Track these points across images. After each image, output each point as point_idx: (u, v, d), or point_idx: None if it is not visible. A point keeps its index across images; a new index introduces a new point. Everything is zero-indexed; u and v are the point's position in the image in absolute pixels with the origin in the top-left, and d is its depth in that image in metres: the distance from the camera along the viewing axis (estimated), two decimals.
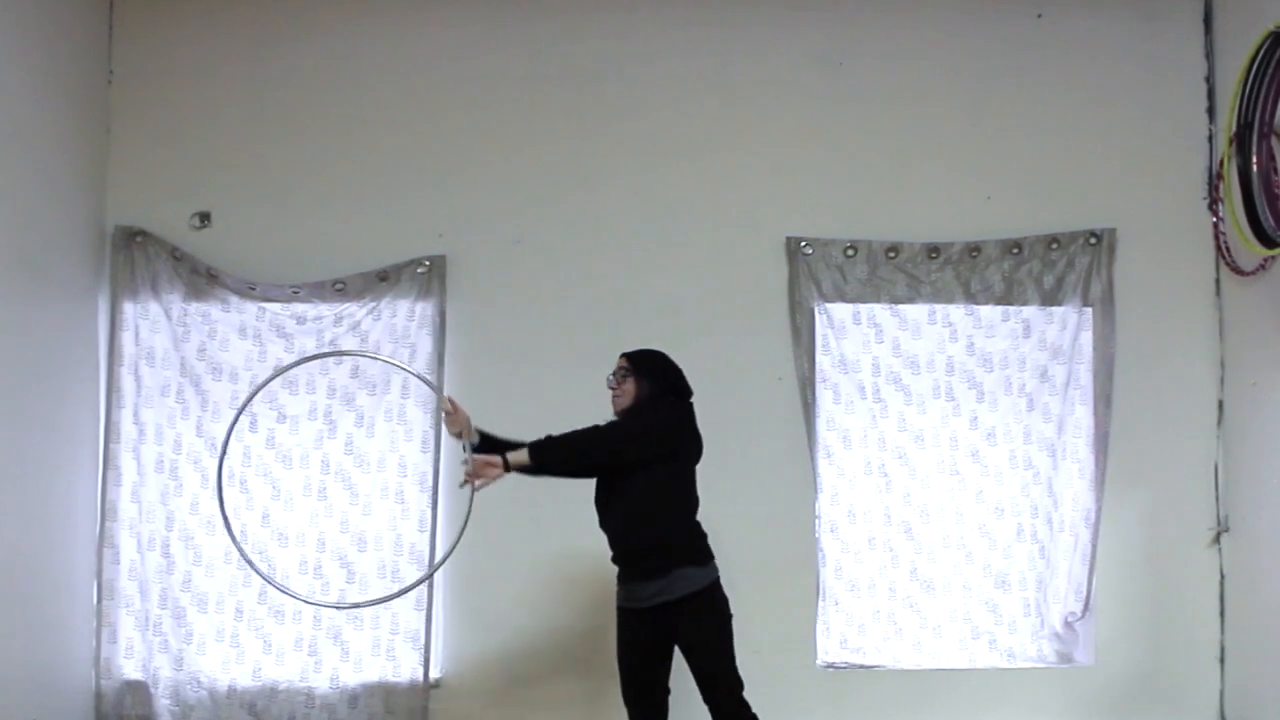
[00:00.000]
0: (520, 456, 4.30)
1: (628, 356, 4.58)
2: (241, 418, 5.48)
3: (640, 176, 5.71)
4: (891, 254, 5.68)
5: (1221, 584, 5.67)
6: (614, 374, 4.56)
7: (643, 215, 5.70)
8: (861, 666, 5.62)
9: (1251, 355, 5.50)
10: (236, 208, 5.65)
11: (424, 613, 5.44)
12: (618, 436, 4.38)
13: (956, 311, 5.71)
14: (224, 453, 4.64)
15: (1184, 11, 5.84)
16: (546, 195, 5.69)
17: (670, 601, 4.36)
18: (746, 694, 4.42)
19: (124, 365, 5.47)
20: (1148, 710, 5.59)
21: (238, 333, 5.55)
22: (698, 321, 5.58)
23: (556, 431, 4.34)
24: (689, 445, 4.47)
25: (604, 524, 4.49)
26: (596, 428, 4.36)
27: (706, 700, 4.40)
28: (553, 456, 4.32)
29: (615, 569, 4.52)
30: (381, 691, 5.45)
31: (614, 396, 4.54)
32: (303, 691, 5.44)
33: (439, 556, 4.63)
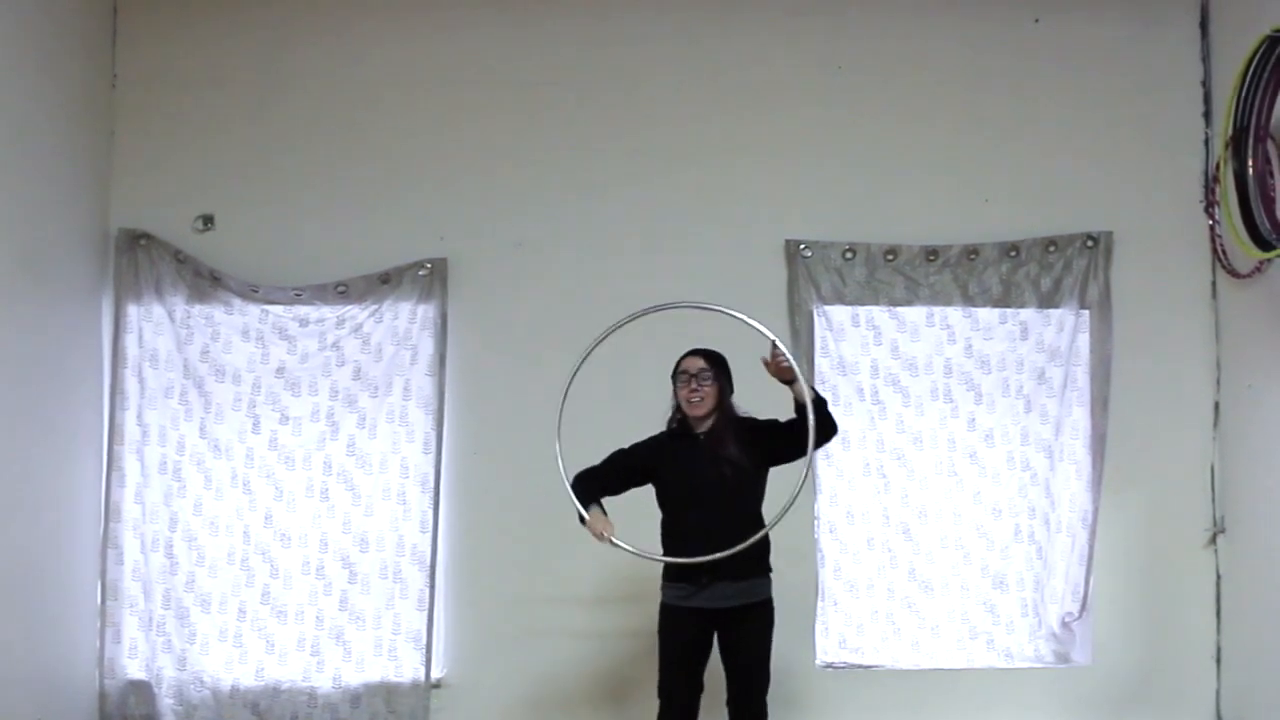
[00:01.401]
0: (804, 390, 4.35)
1: (706, 357, 4.53)
2: (244, 419, 5.55)
3: (640, 180, 5.74)
4: (890, 256, 5.72)
5: (1218, 584, 5.70)
6: (694, 375, 4.48)
7: (643, 218, 5.74)
8: (860, 666, 5.65)
9: (1247, 357, 5.53)
10: (239, 211, 5.68)
11: (425, 613, 5.48)
12: None
13: (954, 314, 5.74)
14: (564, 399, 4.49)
15: (1180, 16, 5.87)
16: (547, 199, 5.73)
17: (748, 605, 4.41)
18: None
19: (128, 367, 5.50)
20: (1144, 710, 5.62)
21: (241, 335, 5.58)
22: (697, 323, 5.60)
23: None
24: None
25: (699, 523, 4.39)
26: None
27: (739, 696, 4.46)
28: (827, 412, 4.41)
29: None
30: (383, 691, 5.48)
31: (694, 400, 4.46)
32: (305, 691, 5.47)
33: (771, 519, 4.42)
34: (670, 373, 4.59)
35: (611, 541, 4.37)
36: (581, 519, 4.42)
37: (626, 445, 4.57)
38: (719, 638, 4.49)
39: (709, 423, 4.50)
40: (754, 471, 4.46)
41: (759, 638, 4.47)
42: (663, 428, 4.61)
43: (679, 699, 4.49)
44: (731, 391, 4.57)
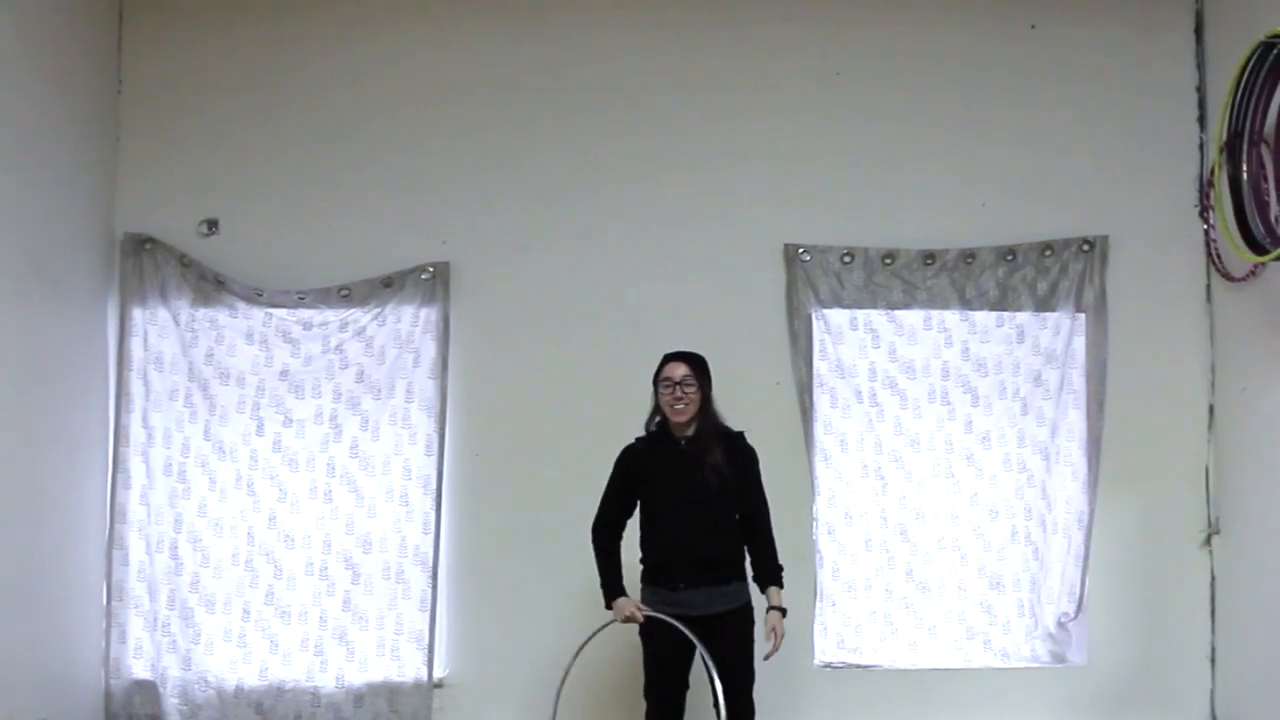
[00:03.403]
0: (777, 596, 4.49)
1: (689, 362, 4.55)
2: (248, 422, 5.59)
3: (641, 184, 5.78)
4: (888, 260, 5.76)
5: (1212, 585, 5.73)
6: (678, 382, 4.49)
7: (644, 222, 5.77)
8: (858, 666, 5.69)
9: (1242, 360, 5.56)
10: (243, 215, 5.72)
11: (428, 613, 5.52)
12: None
13: (952, 317, 5.77)
14: None
15: (1175, 22, 5.89)
16: (549, 202, 5.76)
17: (728, 610, 4.44)
18: None
19: (133, 370, 5.54)
20: (1140, 709, 5.65)
21: (245, 338, 5.63)
22: (697, 326, 5.62)
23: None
24: None
25: (679, 529, 4.45)
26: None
27: (724, 698, 4.46)
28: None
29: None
30: (386, 691, 5.51)
31: (678, 407, 4.49)
32: (308, 691, 5.51)
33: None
34: (652, 376, 4.64)
35: (647, 615, 4.46)
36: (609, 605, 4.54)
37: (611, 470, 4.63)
38: (700, 642, 4.49)
39: (692, 428, 4.53)
40: (734, 480, 4.49)
41: (740, 641, 4.50)
42: (640, 430, 4.65)
43: (664, 699, 4.53)
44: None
